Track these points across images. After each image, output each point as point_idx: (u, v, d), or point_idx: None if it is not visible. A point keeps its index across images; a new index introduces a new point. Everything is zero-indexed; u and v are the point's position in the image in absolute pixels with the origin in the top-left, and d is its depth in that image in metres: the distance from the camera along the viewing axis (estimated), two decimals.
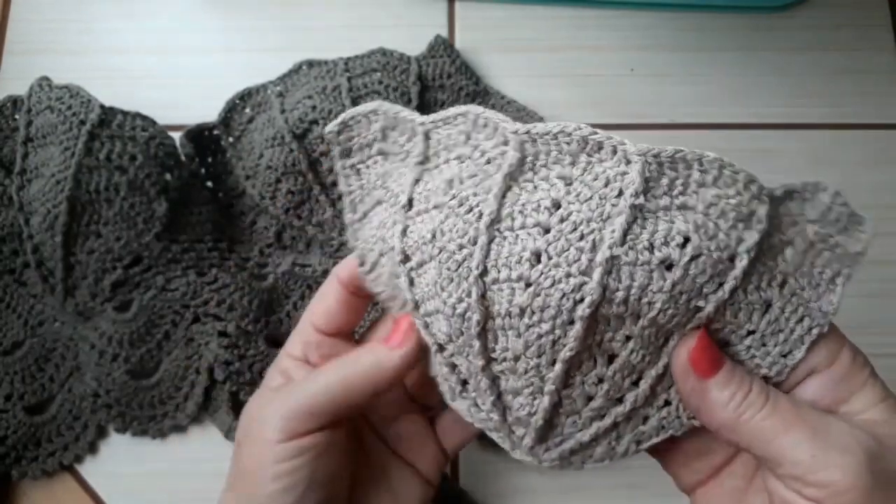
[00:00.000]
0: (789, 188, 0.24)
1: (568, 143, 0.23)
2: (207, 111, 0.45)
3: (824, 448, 0.23)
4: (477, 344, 0.24)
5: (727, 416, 0.24)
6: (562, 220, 0.23)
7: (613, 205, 0.22)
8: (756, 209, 0.23)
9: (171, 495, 0.40)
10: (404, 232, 0.26)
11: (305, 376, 0.27)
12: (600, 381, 0.25)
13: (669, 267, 0.23)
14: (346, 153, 0.28)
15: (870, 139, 0.46)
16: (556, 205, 0.23)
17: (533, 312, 0.23)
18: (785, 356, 0.25)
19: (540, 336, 0.23)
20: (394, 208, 0.26)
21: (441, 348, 0.26)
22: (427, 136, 0.26)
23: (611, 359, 0.25)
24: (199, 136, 0.43)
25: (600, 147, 0.23)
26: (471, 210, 0.24)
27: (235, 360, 0.40)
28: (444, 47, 0.45)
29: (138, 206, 0.38)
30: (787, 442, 0.23)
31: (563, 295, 0.23)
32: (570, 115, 0.46)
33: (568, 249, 0.22)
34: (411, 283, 0.26)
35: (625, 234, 0.22)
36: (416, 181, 0.26)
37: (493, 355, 0.25)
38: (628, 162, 0.23)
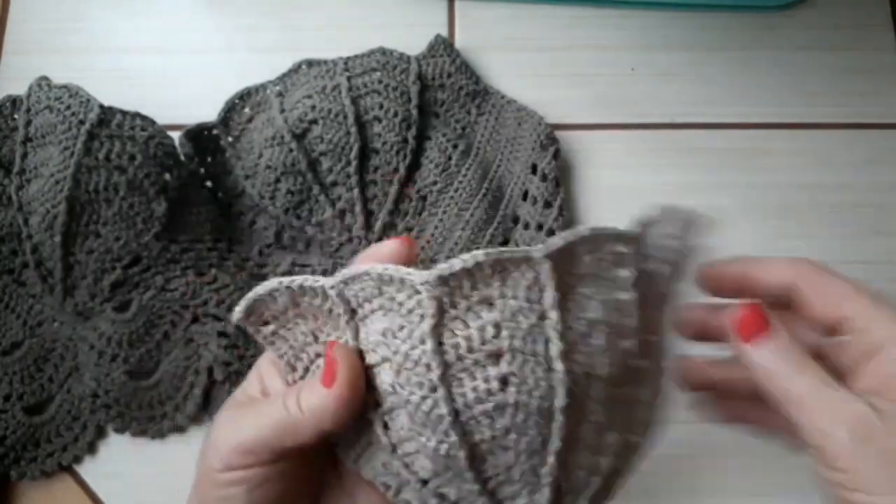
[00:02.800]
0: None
1: (480, 270, 0.23)
2: (207, 111, 0.45)
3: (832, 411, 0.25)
4: (469, 474, 0.25)
5: (768, 366, 0.26)
6: (512, 338, 0.23)
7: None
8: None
9: (170, 496, 0.39)
10: (368, 382, 0.26)
11: (254, 408, 0.27)
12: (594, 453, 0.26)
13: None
14: (261, 327, 0.27)
15: (870, 139, 0.45)
16: (498, 327, 0.23)
17: (518, 426, 0.24)
18: None
19: (529, 442, 0.24)
20: None
21: (425, 483, 0.26)
22: (342, 295, 0.25)
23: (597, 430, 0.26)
24: (199, 136, 0.43)
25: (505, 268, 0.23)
26: (416, 363, 0.24)
27: (235, 361, 0.40)
28: (444, 47, 0.45)
29: (137, 206, 0.38)
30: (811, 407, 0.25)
31: (540, 399, 0.23)
32: (570, 115, 0.46)
33: (527, 362, 0.23)
34: (385, 426, 0.26)
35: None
36: (356, 334, 0.26)
37: (486, 475, 0.25)
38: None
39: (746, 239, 0.44)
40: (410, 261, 0.27)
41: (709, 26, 0.48)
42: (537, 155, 0.43)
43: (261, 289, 0.26)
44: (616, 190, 0.45)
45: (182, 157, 0.42)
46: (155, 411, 0.40)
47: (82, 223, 0.38)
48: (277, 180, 0.41)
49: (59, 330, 0.41)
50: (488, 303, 0.24)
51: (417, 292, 0.23)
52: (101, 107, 0.38)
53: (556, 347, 0.23)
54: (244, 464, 0.26)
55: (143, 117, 0.40)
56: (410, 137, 0.42)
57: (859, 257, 0.43)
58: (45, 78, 0.40)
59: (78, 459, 0.40)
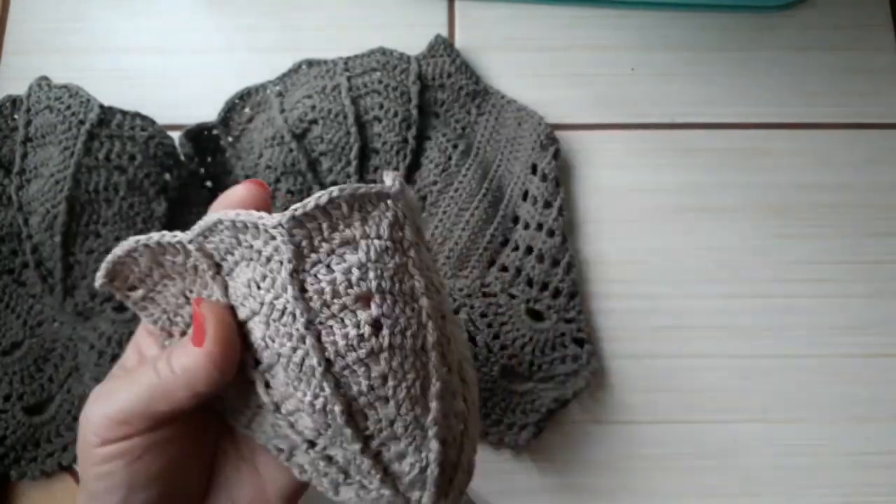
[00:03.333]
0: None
1: (337, 209, 0.22)
2: (206, 111, 0.45)
3: None
4: (348, 431, 0.23)
5: None
6: (380, 279, 0.23)
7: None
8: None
9: None
10: (244, 339, 0.24)
11: (126, 378, 0.25)
12: (464, 400, 0.25)
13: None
14: (129, 292, 0.26)
15: (870, 139, 0.45)
16: (364, 268, 0.23)
17: (395, 372, 0.23)
18: None
19: (409, 388, 0.23)
20: None
21: (312, 444, 0.25)
22: (202, 249, 0.25)
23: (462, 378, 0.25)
24: (199, 136, 0.43)
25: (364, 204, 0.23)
26: (283, 313, 0.23)
27: None
28: (444, 47, 0.45)
29: (137, 206, 0.38)
30: None
31: (413, 339, 0.23)
32: (570, 115, 0.46)
33: (397, 303, 0.23)
34: (267, 385, 0.24)
35: None
36: (226, 290, 0.25)
37: (368, 433, 0.24)
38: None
39: (746, 239, 0.44)
40: (266, 206, 0.25)
41: (708, 26, 0.48)
42: (537, 155, 0.43)
43: (118, 249, 0.25)
44: (616, 190, 0.45)
45: (182, 157, 0.42)
46: None
47: (82, 223, 0.38)
48: (277, 180, 0.41)
49: (59, 330, 0.41)
50: (351, 244, 0.23)
51: (273, 237, 0.22)
52: (101, 107, 0.38)
53: (419, 284, 0.23)
54: (119, 435, 0.24)
55: (143, 117, 0.40)
56: (410, 137, 0.42)
57: (859, 257, 0.43)
58: (45, 78, 0.40)
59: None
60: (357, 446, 0.24)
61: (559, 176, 0.43)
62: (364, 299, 0.23)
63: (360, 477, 0.25)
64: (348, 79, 0.43)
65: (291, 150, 0.41)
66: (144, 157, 0.38)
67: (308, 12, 0.48)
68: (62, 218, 0.37)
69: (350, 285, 0.23)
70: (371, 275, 0.23)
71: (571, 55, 0.47)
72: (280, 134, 0.41)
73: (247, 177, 0.42)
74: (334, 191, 0.22)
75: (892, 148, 0.45)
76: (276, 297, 0.23)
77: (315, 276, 0.23)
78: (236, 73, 0.47)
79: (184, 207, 0.40)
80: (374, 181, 0.42)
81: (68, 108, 0.38)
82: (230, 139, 0.44)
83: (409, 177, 0.43)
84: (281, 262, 0.23)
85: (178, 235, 0.24)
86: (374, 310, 0.23)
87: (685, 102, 0.46)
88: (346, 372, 0.23)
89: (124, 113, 0.39)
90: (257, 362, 0.24)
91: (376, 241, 0.23)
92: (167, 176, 0.39)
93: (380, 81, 0.42)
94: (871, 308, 0.43)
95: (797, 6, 0.48)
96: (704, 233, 0.44)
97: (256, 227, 0.23)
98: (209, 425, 0.27)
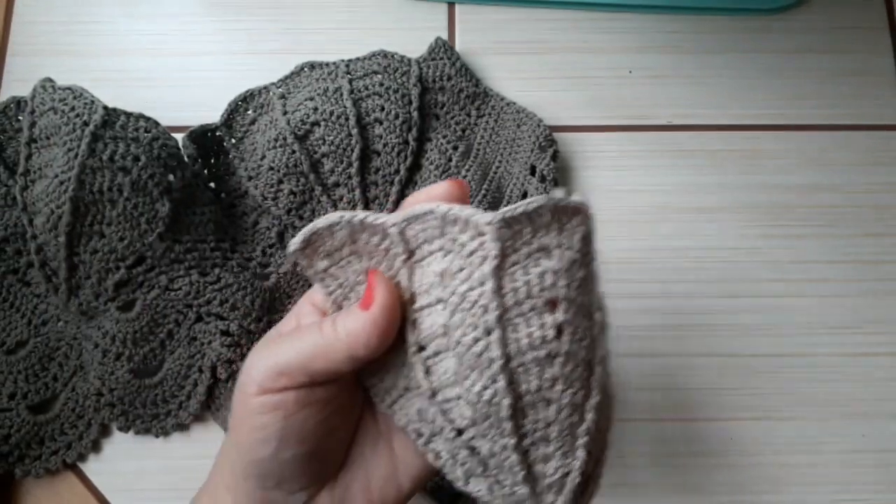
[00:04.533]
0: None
1: (539, 216, 0.24)
2: (210, 112, 0.45)
3: None
4: (508, 425, 0.25)
5: None
6: (568, 287, 0.24)
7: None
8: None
9: (174, 493, 0.40)
10: (414, 324, 0.26)
11: (290, 334, 0.27)
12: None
13: None
14: (314, 262, 0.27)
15: (867, 140, 0.46)
16: (556, 275, 0.24)
17: (566, 377, 0.24)
18: None
19: (573, 395, 0.24)
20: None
21: (459, 433, 0.26)
22: (402, 234, 0.26)
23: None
24: (202, 138, 0.44)
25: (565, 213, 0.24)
26: (474, 305, 0.24)
27: (238, 359, 0.40)
28: (444, 49, 0.45)
29: (141, 207, 0.38)
30: None
31: (586, 350, 0.24)
32: (568, 117, 0.46)
33: (578, 313, 0.24)
34: (427, 371, 0.26)
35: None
36: (410, 276, 0.26)
37: (523, 430, 0.25)
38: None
39: (742, 239, 0.44)
40: (463, 203, 0.27)
41: (705, 29, 0.48)
42: (536, 156, 0.43)
43: (322, 221, 0.26)
44: (613, 190, 0.45)
45: (186, 159, 0.42)
46: (158, 409, 0.41)
47: (86, 223, 0.38)
48: (280, 181, 0.42)
49: (63, 329, 0.41)
50: (546, 251, 0.24)
51: (481, 234, 0.24)
52: (105, 108, 0.39)
53: (595, 299, 0.25)
54: (277, 386, 0.26)
55: (147, 119, 0.40)
56: (411, 139, 0.43)
57: (854, 257, 0.44)
58: (49, 79, 0.41)
59: (82, 457, 0.41)
60: (511, 441, 0.25)
61: (558, 177, 0.43)
62: (552, 304, 0.24)
63: (499, 471, 0.26)
64: (350, 81, 0.43)
65: (294, 152, 0.41)
66: (148, 159, 0.38)
67: (310, 15, 0.49)
68: (66, 218, 0.38)
69: (542, 289, 0.24)
70: (561, 282, 0.24)
71: (570, 58, 0.48)
72: (282, 136, 0.41)
73: (250, 178, 0.43)
74: (541, 199, 0.23)
75: (887, 149, 0.46)
76: (471, 289, 0.24)
77: (512, 275, 0.24)
78: (239, 76, 0.47)
79: (187, 208, 0.41)
80: (376, 182, 0.43)
81: (72, 109, 0.38)
82: (233, 141, 0.44)
83: (410, 178, 0.44)
84: (484, 258, 0.24)
85: (383, 217, 0.26)
86: (559, 315, 0.24)
87: (682, 104, 0.47)
88: (520, 369, 0.24)
89: (128, 114, 0.39)
90: (421, 348, 0.26)
91: (568, 252, 0.24)
92: (171, 177, 0.40)
93: (381, 84, 0.43)
94: (866, 307, 0.43)
95: (793, 9, 0.48)
96: (701, 233, 0.44)
97: (467, 222, 0.24)
98: (356, 398, 0.29)
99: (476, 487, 0.27)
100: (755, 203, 0.45)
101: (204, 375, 0.41)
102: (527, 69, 0.47)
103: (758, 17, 0.48)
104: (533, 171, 0.43)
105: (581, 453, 0.25)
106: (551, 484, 0.25)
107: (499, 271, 0.24)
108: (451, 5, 0.49)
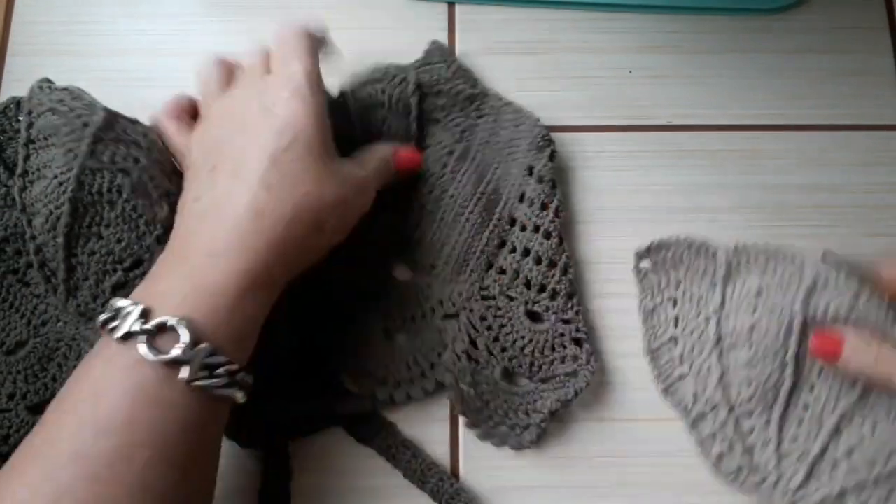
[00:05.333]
0: None
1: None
2: None
3: None
4: (781, 406, 0.37)
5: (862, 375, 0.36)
6: (852, 310, 0.37)
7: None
8: None
9: None
10: (718, 322, 0.39)
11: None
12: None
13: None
14: (643, 261, 0.41)
15: (867, 140, 0.46)
16: (857, 297, 0.37)
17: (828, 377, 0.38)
18: None
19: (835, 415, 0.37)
20: (709, 306, 0.39)
21: (731, 409, 0.37)
22: (728, 262, 0.39)
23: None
24: None
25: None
26: (781, 313, 0.37)
27: None
28: (439, 52, 0.45)
29: (140, 209, 0.38)
30: None
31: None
32: (568, 117, 0.46)
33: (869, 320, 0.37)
34: (720, 355, 0.38)
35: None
36: (725, 288, 0.39)
37: (787, 410, 0.37)
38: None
39: (741, 239, 0.44)
40: None
41: (705, 29, 0.48)
42: (533, 157, 0.43)
43: (669, 238, 0.41)
44: (613, 191, 0.45)
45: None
46: None
47: (84, 224, 0.38)
48: None
49: (63, 330, 0.41)
50: (854, 293, 0.37)
51: (802, 266, 0.38)
52: (106, 110, 0.39)
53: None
54: None
55: (143, 123, 0.40)
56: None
57: (854, 258, 0.44)
58: (46, 80, 0.41)
59: None
60: (777, 415, 0.37)
61: (555, 178, 0.43)
62: (848, 317, 0.37)
63: (754, 438, 0.38)
64: (352, 91, 0.43)
65: None
66: (148, 161, 0.38)
67: (308, 15, 0.49)
68: (65, 219, 0.37)
69: (841, 307, 0.37)
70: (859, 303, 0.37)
71: (570, 58, 0.48)
72: None
73: None
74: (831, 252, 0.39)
75: (887, 149, 0.46)
76: (784, 301, 0.37)
77: (818, 299, 0.37)
78: None
79: None
80: None
81: (72, 110, 0.38)
82: None
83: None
84: (799, 282, 0.38)
85: (713, 246, 0.41)
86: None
87: (682, 104, 0.47)
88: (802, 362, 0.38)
89: (128, 118, 0.39)
90: (720, 339, 0.38)
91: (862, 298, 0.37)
92: (168, 182, 0.40)
93: (382, 92, 0.43)
94: None
95: (794, 8, 0.48)
96: (700, 234, 0.44)
97: (793, 258, 0.39)
98: None
99: (719, 451, 0.38)
100: (755, 203, 0.45)
101: None
102: (527, 69, 0.47)
103: (758, 17, 0.48)
104: (530, 171, 0.43)
105: (826, 431, 0.37)
106: (796, 469, 0.36)
107: (809, 295, 0.37)
108: (451, 5, 0.49)
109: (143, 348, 0.30)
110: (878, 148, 0.46)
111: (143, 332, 0.30)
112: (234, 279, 0.32)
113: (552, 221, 0.42)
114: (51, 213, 0.38)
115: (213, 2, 0.49)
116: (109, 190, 0.38)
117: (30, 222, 0.39)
